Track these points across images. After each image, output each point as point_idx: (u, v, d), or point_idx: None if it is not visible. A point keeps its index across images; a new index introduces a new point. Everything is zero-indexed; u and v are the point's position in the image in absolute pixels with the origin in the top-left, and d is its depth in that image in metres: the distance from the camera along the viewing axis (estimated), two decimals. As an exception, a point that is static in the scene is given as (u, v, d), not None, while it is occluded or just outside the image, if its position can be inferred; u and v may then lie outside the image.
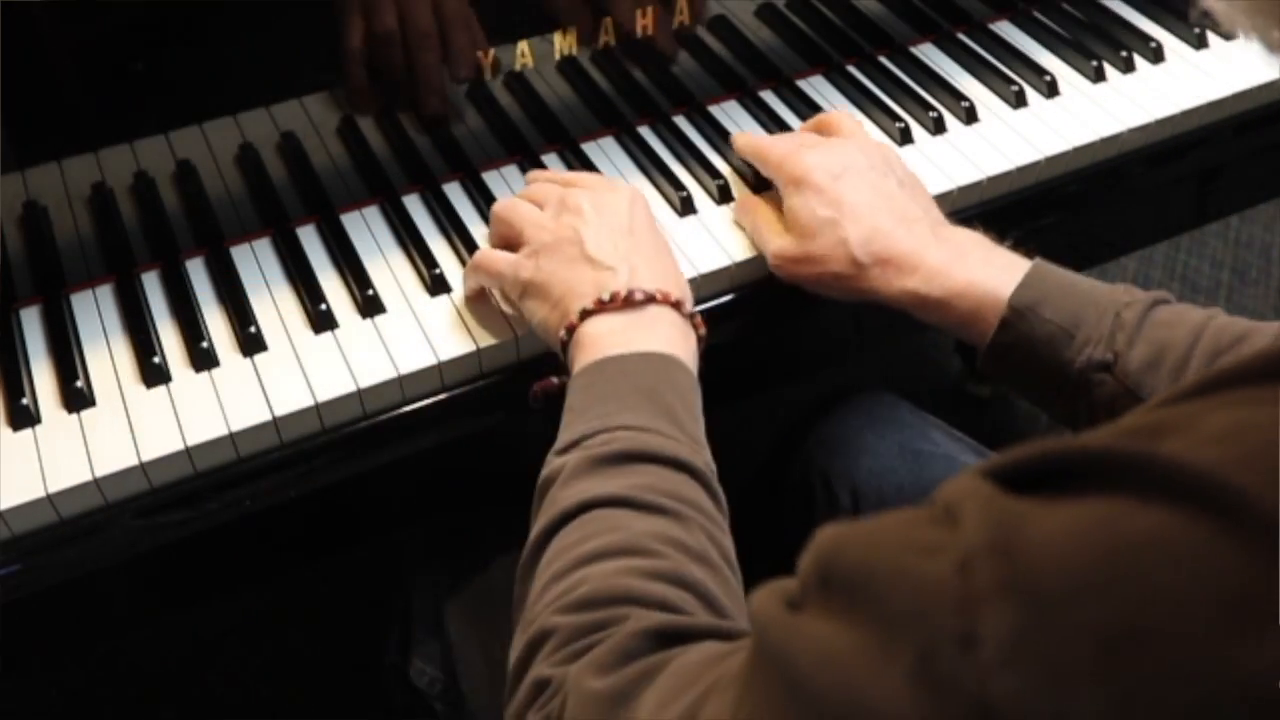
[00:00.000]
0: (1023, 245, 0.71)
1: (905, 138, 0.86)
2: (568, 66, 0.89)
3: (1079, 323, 0.66)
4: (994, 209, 0.84)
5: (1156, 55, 0.93)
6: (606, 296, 0.64)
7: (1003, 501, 0.33)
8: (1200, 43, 0.94)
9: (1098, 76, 0.91)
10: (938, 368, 1.64)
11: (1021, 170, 0.84)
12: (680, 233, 0.79)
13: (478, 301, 0.73)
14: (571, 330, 0.64)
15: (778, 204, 0.75)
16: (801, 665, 0.35)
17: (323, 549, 0.82)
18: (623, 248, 0.66)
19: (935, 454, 0.84)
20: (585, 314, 0.64)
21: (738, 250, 0.77)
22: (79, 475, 0.65)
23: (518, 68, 0.87)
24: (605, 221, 0.68)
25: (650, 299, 0.64)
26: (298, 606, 1.34)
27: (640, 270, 0.65)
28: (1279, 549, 0.29)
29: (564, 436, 0.60)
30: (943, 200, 0.82)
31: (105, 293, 0.76)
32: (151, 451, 0.66)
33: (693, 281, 0.75)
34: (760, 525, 0.96)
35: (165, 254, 0.78)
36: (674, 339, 0.64)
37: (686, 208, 0.80)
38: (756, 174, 0.80)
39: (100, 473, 0.65)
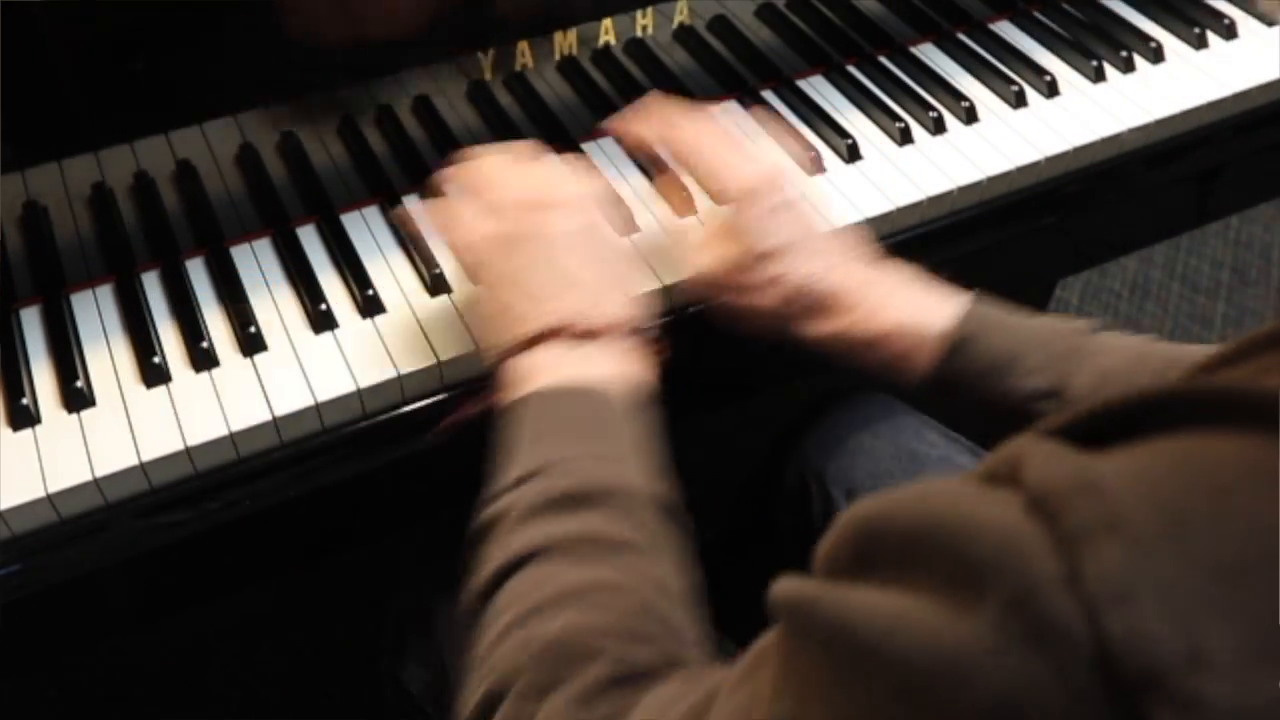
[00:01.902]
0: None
1: (905, 138, 0.86)
2: (568, 66, 0.89)
3: (1021, 352, 0.65)
4: (994, 209, 0.84)
5: (1156, 55, 0.93)
6: (565, 323, 0.61)
7: (1069, 453, 0.31)
8: (1200, 43, 0.94)
9: (1098, 76, 0.91)
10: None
11: (1021, 170, 0.84)
12: (680, 232, 0.79)
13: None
14: (516, 352, 0.62)
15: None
16: (867, 633, 0.32)
17: (322, 549, 0.82)
18: (586, 261, 0.63)
19: (931, 455, 0.84)
20: (533, 339, 0.61)
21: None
22: (79, 475, 0.65)
23: (518, 68, 0.87)
24: (570, 224, 0.64)
25: (609, 327, 0.62)
26: (298, 606, 1.34)
27: (601, 299, 0.62)
28: None
29: (510, 471, 0.57)
30: (942, 200, 0.82)
31: (105, 293, 0.76)
32: (151, 451, 0.66)
33: (686, 283, 0.75)
34: (756, 526, 0.96)
35: (165, 254, 0.78)
36: (616, 369, 0.61)
37: (686, 207, 0.80)
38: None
39: (100, 473, 0.65)
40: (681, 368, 0.69)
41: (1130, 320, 1.80)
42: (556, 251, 0.63)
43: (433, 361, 0.71)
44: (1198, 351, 0.64)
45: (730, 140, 0.71)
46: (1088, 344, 0.65)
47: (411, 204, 0.81)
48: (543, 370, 0.60)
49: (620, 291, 0.65)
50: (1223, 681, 0.27)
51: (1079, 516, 0.29)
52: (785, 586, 0.36)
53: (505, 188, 0.66)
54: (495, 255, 0.64)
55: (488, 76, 0.86)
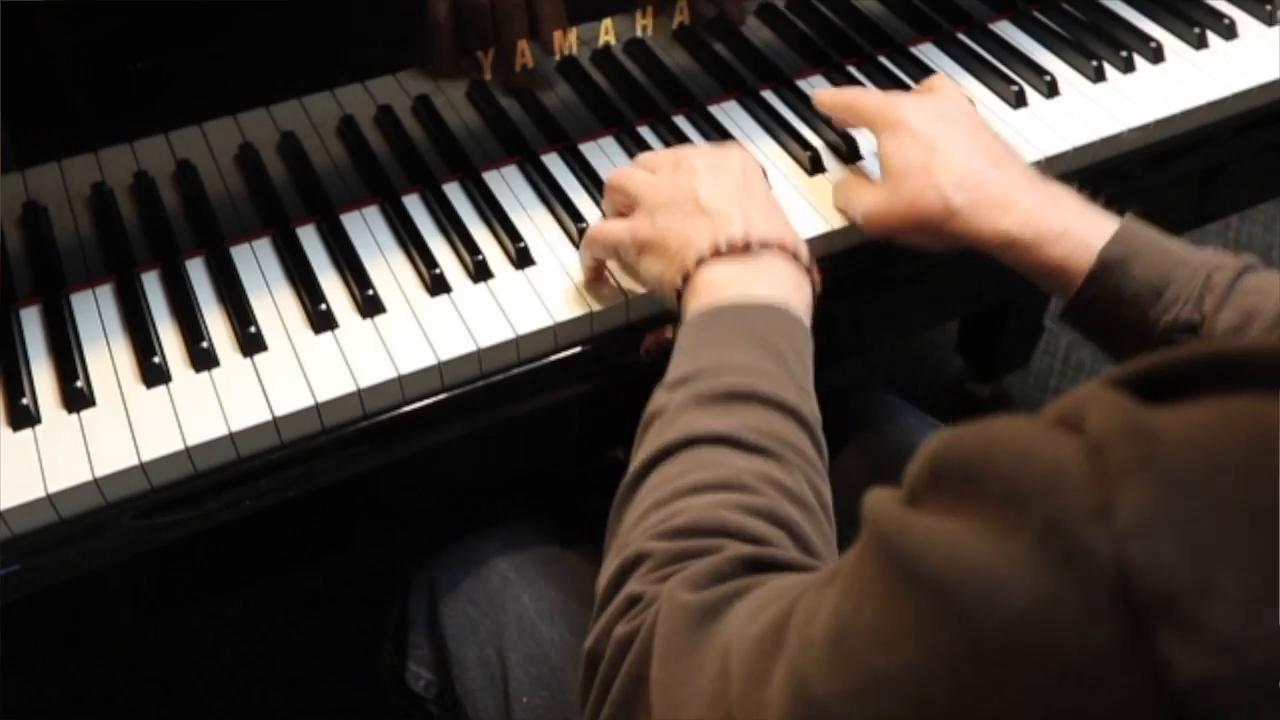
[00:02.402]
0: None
1: (905, 138, 0.86)
2: (568, 66, 0.89)
3: (1168, 282, 0.65)
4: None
5: (1156, 55, 0.93)
6: (723, 243, 0.64)
7: (1129, 404, 0.32)
8: (1200, 43, 0.94)
9: (1098, 76, 0.91)
10: (938, 368, 1.64)
11: (1021, 170, 0.84)
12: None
13: (595, 280, 0.74)
14: (688, 279, 0.64)
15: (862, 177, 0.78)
16: (915, 548, 0.34)
17: (323, 549, 0.82)
18: (738, 199, 0.67)
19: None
20: (702, 261, 0.64)
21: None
22: (79, 475, 0.65)
23: (518, 68, 0.87)
24: (719, 177, 0.68)
25: (766, 246, 0.64)
26: (298, 606, 1.34)
27: (756, 220, 0.65)
28: None
29: (673, 372, 0.60)
30: (943, 200, 0.82)
31: (105, 293, 0.76)
32: (151, 451, 0.66)
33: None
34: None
35: (165, 254, 0.78)
36: (789, 288, 0.64)
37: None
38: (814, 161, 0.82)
39: (100, 473, 0.65)
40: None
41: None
42: (722, 180, 0.68)
43: (432, 362, 0.71)
44: None
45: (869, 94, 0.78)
46: (1239, 282, 0.65)
47: (412, 204, 0.81)
48: (712, 286, 0.63)
49: (777, 215, 0.68)
50: (1226, 611, 0.28)
51: (1123, 456, 0.31)
52: (871, 499, 0.39)
53: (648, 176, 0.71)
54: (658, 199, 0.68)
55: (488, 76, 0.86)
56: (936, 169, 0.70)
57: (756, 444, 0.55)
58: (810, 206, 0.80)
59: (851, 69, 0.93)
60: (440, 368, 0.71)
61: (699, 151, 0.71)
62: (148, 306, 0.74)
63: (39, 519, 0.65)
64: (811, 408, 0.59)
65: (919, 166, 0.71)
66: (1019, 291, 1.21)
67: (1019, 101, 0.89)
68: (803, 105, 0.88)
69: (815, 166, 0.83)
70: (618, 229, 0.70)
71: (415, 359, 0.71)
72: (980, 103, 0.88)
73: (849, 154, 0.84)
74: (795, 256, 0.65)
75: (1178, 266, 0.66)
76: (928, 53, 0.95)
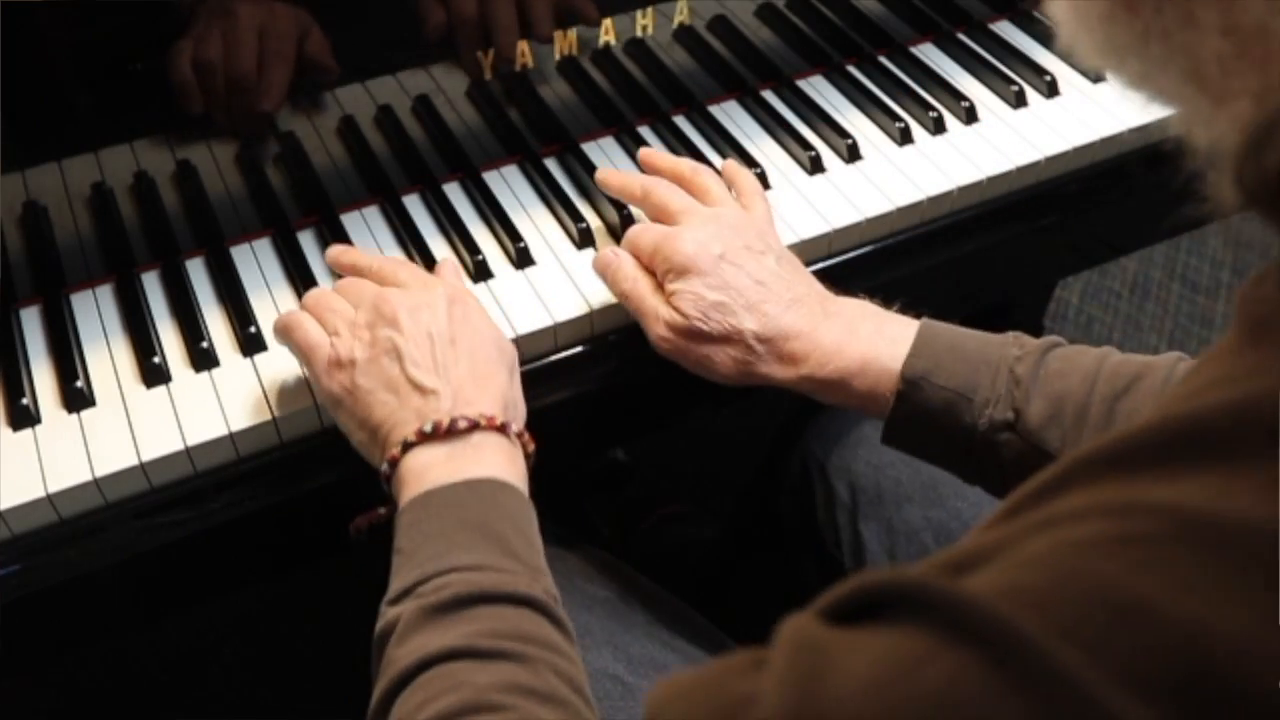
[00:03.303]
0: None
1: (905, 138, 0.86)
2: (568, 66, 0.89)
3: (974, 386, 0.65)
4: (994, 209, 0.84)
5: (1156, 55, 0.93)
6: (428, 427, 0.60)
7: (822, 637, 0.34)
8: (1200, 43, 0.94)
9: (1098, 76, 0.91)
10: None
11: (1021, 170, 0.84)
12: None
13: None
14: (394, 463, 0.61)
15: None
16: None
17: (322, 549, 0.82)
18: (444, 365, 0.63)
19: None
20: (407, 446, 0.61)
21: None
22: (79, 475, 0.65)
23: (518, 67, 0.87)
24: (424, 333, 0.63)
25: (474, 426, 0.61)
26: (298, 606, 1.34)
27: (464, 391, 0.62)
28: (1057, 701, 0.28)
29: (395, 584, 0.57)
30: (943, 200, 0.82)
31: (105, 293, 0.76)
32: (151, 451, 0.66)
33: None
34: (760, 519, 0.96)
35: (165, 254, 0.78)
36: (502, 463, 0.61)
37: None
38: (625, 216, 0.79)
39: (100, 473, 0.65)
40: (683, 368, 0.69)
41: (1130, 320, 1.80)
42: (419, 339, 0.63)
43: (433, 361, 0.71)
44: (1149, 366, 0.63)
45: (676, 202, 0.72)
46: (1041, 368, 0.64)
47: (412, 204, 0.81)
48: (426, 470, 0.60)
49: (491, 387, 0.63)
50: None
51: (793, 669, 0.33)
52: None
53: (356, 307, 0.66)
54: (355, 353, 0.63)
55: (488, 76, 0.86)
56: (734, 315, 0.67)
57: (494, 649, 0.52)
58: (810, 206, 0.80)
59: (851, 69, 0.93)
60: (440, 368, 0.71)
61: (402, 295, 0.65)
62: (148, 306, 0.74)
63: (39, 519, 0.65)
64: (546, 586, 0.57)
65: (714, 309, 0.67)
66: (1019, 291, 1.21)
67: (1019, 101, 0.89)
68: (803, 105, 0.88)
69: (815, 166, 0.83)
70: (318, 359, 0.64)
71: (415, 359, 0.71)
72: (980, 102, 0.88)
73: (849, 155, 0.84)
74: (504, 430, 0.62)
75: (979, 368, 0.65)
76: (928, 53, 0.95)
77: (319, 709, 1.28)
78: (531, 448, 0.64)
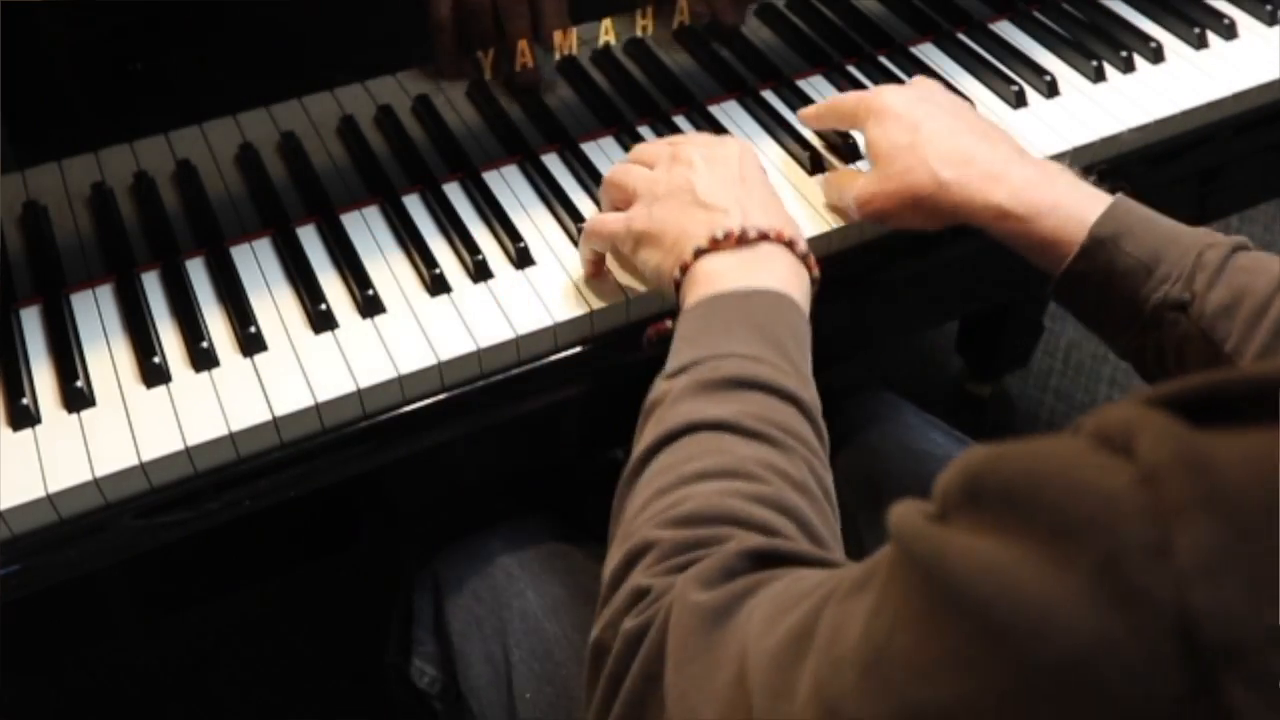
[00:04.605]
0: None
1: (905, 138, 0.86)
2: (568, 66, 0.89)
3: (1159, 259, 0.65)
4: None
5: (1156, 55, 0.93)
6: (720, 234, 0.64)
7: (1181, 430, 0.31)
8: (1200, 43, 0.94)
9: (1098, 76, 0.91)
10: (938, 368, 1.65)
11: (1021, 170, 0.84)
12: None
13: (595, 274, 0.75)
14: (685, 269, 0.64)
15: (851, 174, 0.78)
16: (960, 575, 0.33)
17: (323, 549, 0.82)
18: (735, 191, 0.67)
19: (935, 454, 0.84)
20: (699, 252, 0.64)
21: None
22: (79, 475, 0.65)
23: (518, 68, 0.87)
24: (716, 169, 0.68)
25: (764, 237, 0.64)
26: (298, 606, 1.34)
27: (753, 211, 0.65)
28: None
29: (673, 362, 0.60)
30: (943, 200, 0.82)
31: (105, 293, 0.76)
32: (151, 451, 0.66)
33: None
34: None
35: (165, 254, 0.78)
36: (787, 277, 0.64)
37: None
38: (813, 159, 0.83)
39: (100, 473, 0.65)
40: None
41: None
42: (718, 171, 0.68)
43: (432, 362, 0.71)
44: None
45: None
46: (1231, 260, 0.65)
47: (412, 204, 0.81)
48: (710, 277, 0.63)
49: (775, 205, 0.68)
50: None
51: (1182, 491, 0.29)
52: (901, 512, 0.38)
53: (656, 148, 0.73)
54: (655, 192, 0.68)
55: (488, 76, 0.86)
56: (923, 146, 0.70)
57: (758, 431, 0.55)
58: (810, 206, 0.80)
59: (851, 69, 0.93)
60: (440, 367, 0.71)
61: (696, 142, 0.71)
62: (148, 306, 0.74)
63: (39, 519, 0.65)
64: (812, 395, 0.59)
65: (905, 145, 0.71)
66: (1019, 291, 1.21)
67: (1019, 101, 0.89)
68: (803, 105, 0.88)
69: (815, 166, 0.83)
70: (615, 222, 0.70)
71: (415, 359, 0.71)
72: (980, 103, 0.88)
73: (848, 154, 0.84)
74: (792, 246, 0.65)
75: (1170, 244, 0.66)
76: (928, 53, 0.95)
77: (319, 709, 1.28)
78: (817, 272, 0.66)
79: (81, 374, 0.69)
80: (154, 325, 0.73)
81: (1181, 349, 0.64)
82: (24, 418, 0.67)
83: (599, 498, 1.29)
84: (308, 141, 0.83)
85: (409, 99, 0.86)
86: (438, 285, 0.75)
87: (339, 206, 0.81)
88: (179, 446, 0.66)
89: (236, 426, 0.67)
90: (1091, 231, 0.66)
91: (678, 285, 0.65)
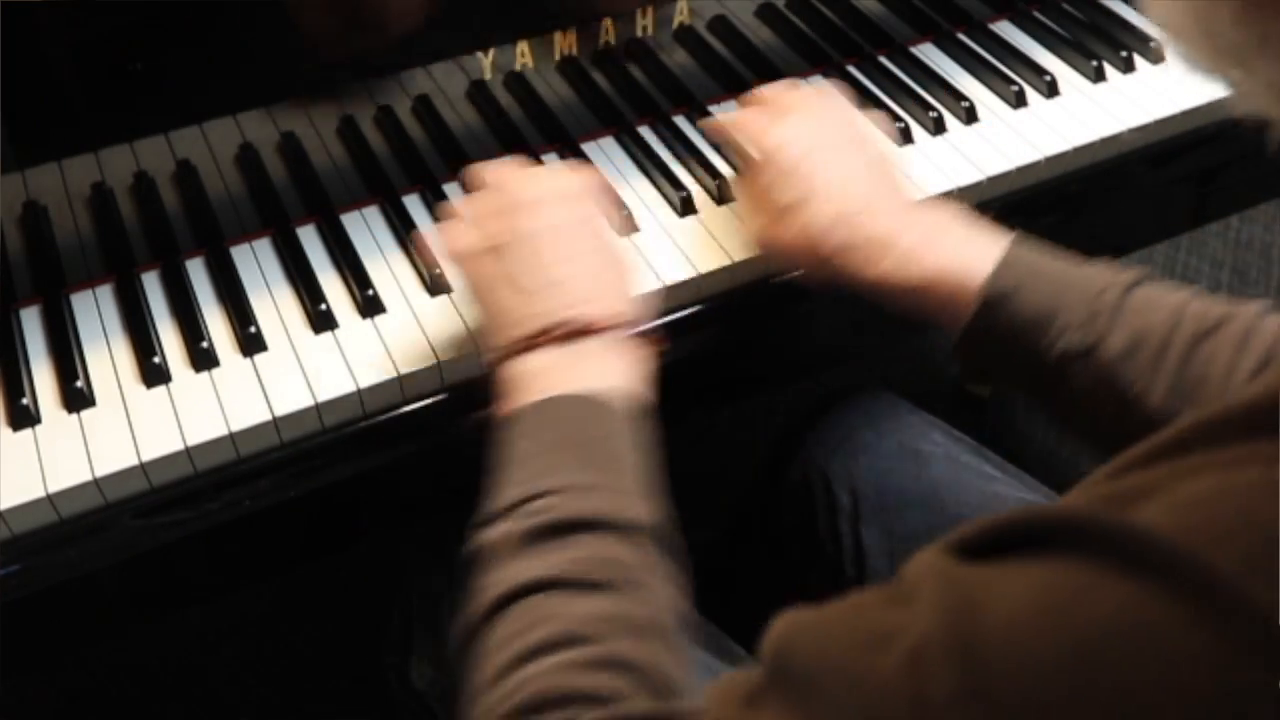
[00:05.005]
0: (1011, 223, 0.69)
1: (905, 138, 0.86)
2: (568, 66, 0.89)
3: (1057, 309, 0.63)
4: (994, 209, 0.84)
5: (1156, 55, 0.93)
6: (538, 330, 0.60)
7: (962, 573, 0.33)
8: (1200, 43, 0.94)
9: (1098, 76, 0.91)
10: (938, 368, 1.64)
11: (1021, 170, 0.84)
12: (679, 233, 0.79)
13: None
14: (503, 362, 0.61)
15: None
16: None
17: (322, 549, 0.82)
18: (569, 266, 0.62)
19: (935, 454, 0.84)
20: (520, 345, 0.60)
21: (737, 249, 0.77)
22: (79, 475, 0.65)
23: (518, 68, 0.87)
24: (551, 233, 0.63)
25: (591, 327, 0.60)
26: (298, 606, 1.34)
27: (581, 293, 0.61)
28: (1249, 635, 0.28)
29: (495, 499, 0.56)
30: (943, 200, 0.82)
31: (105, 293, 0.76)
32: (151, 451, 0.66)
33: (690, 282, 0.75)
34: (761, 525, 0.96)
35: (165, 254, 0.78)
36: (619, 369, 0.60)
37: (687, 208, 0.80)
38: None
39: (100, 473, 0.65)
40: (683, 366, 0.69)
41: (1130, 320, 1.80)
42: (542, 249, 0.62)
43: (433, 362, 0.71)
44: (1234, 311, 0.63)
45: (761, 114, 0.73)
46: (1126, 301, 0.63)
47: (412, 204, 0.81)
48: (537, 376, 0.59)
49: (615, 285, 0.63)
50: None
51: (942, 684, 0.32)
52: (716, 693, 0.41)
53: (483, 198, 0.66)
54: (483, 264, 0.63)
55: (488, 76, 0.86)
56: (807, 212, 0.67)
57: (590, 581, 0.52)
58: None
59: (851, 69, 0.93)
60: (440, 367, 0.71)
61: (535, 190, 0.65)
62: (148, 306, 0.74)
63: (39, 519, 0.65)
64: (653, 508, 0.56)
65: (791, 208, 0.68)
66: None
67: (1019, 101, 0.89)
68: (803, 105, 0.88)
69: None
70: (458, 253, 0.65)
71: (416, 359, 0.71)
72: (980, 102, 0.88)
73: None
74: (624, 329, 0.61)
75: (1066, 291, 0.64)
76: (928, 52, 0.95)
77: (319, 709, 1.28)
78: (661, 345, 0.63)
79: (81, 374, 0.69)
80: (154, 325, 0.73)
81: (1089, 398, 0.63)
82: (24, 418, 0.67)
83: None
84: (308, 141, 0.83)
85: (409, 99, 0.86)
86: (438, 285, 0.75)
87: (339, 206, 0.81)
88: (179, 446, 0.66)
89: (236, 426, 0.67)
90: (985, 290, 0.64)
91: (495, 377, 0.61)
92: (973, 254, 0.66)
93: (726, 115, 0.77)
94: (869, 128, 0.75)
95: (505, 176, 0.67)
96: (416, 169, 0.83)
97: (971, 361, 0.68)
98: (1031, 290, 0.64)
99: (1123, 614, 0.30)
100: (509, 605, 0.52)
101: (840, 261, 0.67)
